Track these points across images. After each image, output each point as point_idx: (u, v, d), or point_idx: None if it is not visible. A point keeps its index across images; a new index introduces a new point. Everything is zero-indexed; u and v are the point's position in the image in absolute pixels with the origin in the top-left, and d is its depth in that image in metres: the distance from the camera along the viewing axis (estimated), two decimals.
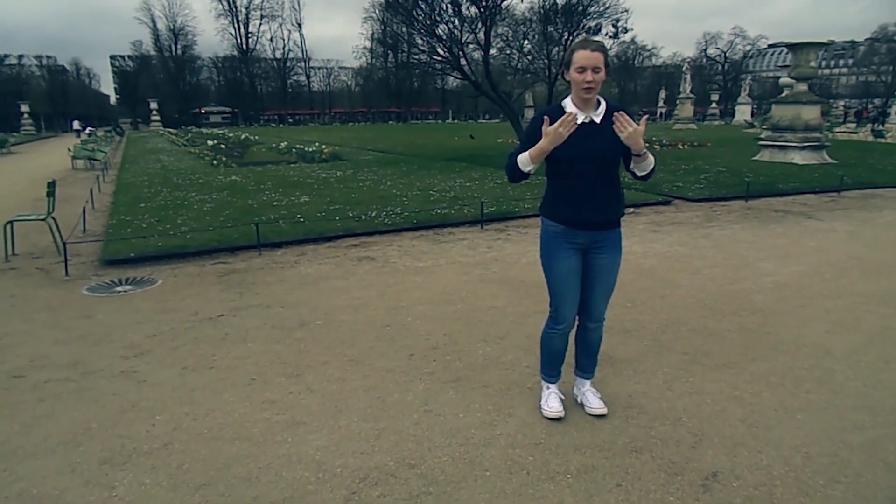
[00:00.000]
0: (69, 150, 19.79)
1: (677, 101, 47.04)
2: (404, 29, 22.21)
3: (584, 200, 2.84)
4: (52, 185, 7.31)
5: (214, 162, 17.89)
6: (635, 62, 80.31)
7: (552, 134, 2.66)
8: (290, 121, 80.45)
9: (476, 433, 2.99)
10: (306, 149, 20.10)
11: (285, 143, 24.47)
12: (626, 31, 20.45)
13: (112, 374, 3.73)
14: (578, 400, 3.24)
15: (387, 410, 3.21)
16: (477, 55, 20.53)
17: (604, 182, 2.86)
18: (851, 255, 6.41)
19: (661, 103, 66.01)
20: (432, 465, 2.73)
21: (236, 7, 79.83)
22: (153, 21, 77.33)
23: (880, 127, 34.26)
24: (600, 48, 2.73)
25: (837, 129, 33.77)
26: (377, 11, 61.54)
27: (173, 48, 78.37)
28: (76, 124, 39.97)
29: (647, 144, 2.87)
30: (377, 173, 14.10)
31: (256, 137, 32.94)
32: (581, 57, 2.70)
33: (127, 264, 6.39)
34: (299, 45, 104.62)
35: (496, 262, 6.32)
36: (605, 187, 2.87)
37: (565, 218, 2.88)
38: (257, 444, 2.92)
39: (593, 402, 3.16)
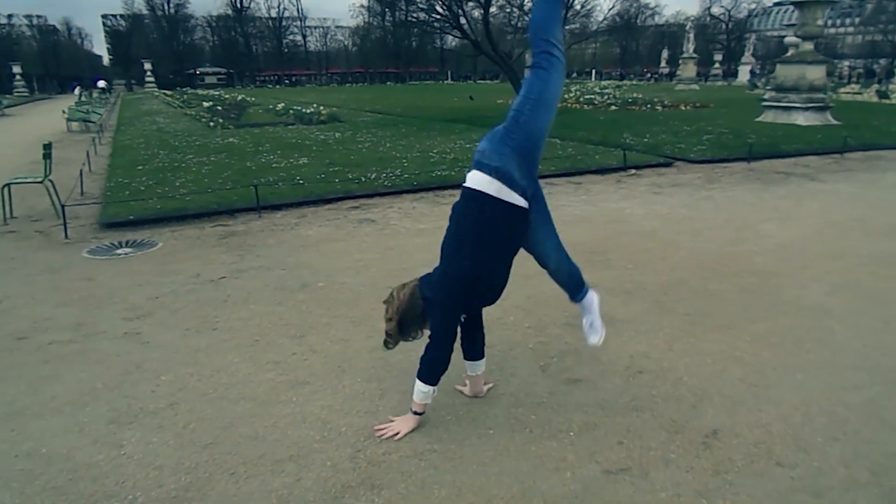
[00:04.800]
0: (64, 111, 19.54)
1: (680, 62, 46.35)
2: None
3: None
4: (48, 148, 7.24)
5: (211, 124, 17.69)
6: (637, 21, 78.66)
7: None
8: (287, 82, 79.20)
9: None
10: (304, 110, 19.86)
11: (282, 104, 24.14)
12: None
13: (115, 336, 3.75)
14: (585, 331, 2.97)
15: (390, 371, 3.24)
16: (477, 13, 20.19)
17: None
18: (854, 217, 6.39)
19: (663, 63, 65.03)
20: (436, 423, 2.76)
21: None
22: None
23: (885, 87, 33.82)
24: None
25: (842, 90, 33.38)
26: None
27: (166, 7, 76.71)
28: (77, 90, 37.63)
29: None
30: (376, 135, 13.96)
31: (253, 99, 32.51)
32: None
33: (126, 227, 6.36)
34: (295, 3, 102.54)
35: None
36: None
37: None
38: (262, 403, 2.95)
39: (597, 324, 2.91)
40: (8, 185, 6.94)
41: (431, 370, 2.60)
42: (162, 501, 2.30)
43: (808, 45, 16.04)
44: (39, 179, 7.02)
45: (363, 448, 2.59)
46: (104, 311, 4.16)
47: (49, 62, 72.91)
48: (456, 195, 2.71)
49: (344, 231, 6.12)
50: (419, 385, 2.62)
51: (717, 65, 53.31)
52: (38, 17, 75.62)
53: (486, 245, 2.53)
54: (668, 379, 3.12)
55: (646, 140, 12.14)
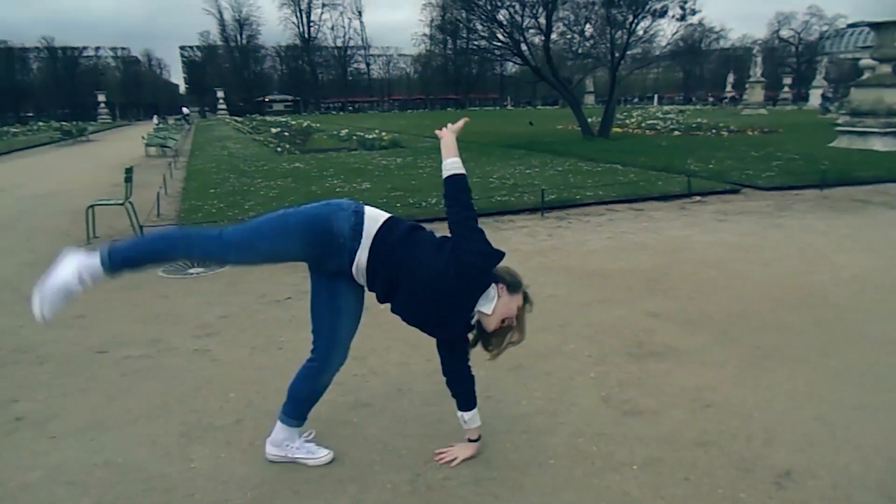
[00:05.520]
0: (143, 137, 20.70)
1: (746, 86, 45.06)
2: (464, 14, 22.10)
3: None
4: (129, 172, 7.67)
5: (278, 149, 18.35)
6: (702, 45, 77.08)
7: None
8: (350, 108, 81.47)
9: (538, 420, 2.99)
10: (366, 136, 20.34)
11: (346, 130, 24.83)
12: (693, 12, 19.76)
13: (186, 352, 3.91)
14: None
15: (448, 395, 3.22)
16: (537, 40, 20.29)
17: None
18: None
19: (728, 88, 63.48)
20: (495, 450, 2.74)
21: None
22: (220, 12, 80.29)
23: None
24: None
25: None
26: None
27: (238, 38, 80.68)
28: (155, 118, 39.58)
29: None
30: (436, 160, 14.09)
31: (318, 125, 33.54)
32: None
33: None
34: (359, 33, 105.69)
35: (556, 251, 6.25)
36: None
37: None
38: (325, 423, 3.00)
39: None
40: (92, 206, 7.37)
41: (457, 399, 2.70)
42: None
43: (886, 68, 15.39)
44: (120, 201, 7.43)
45: (422, 472, 2.60)
46: (177, 327, 4.35)
47: (130, 91, 77.66)
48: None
49: None
50: (458, 415, 2.69)
51: (786, 88, 51.56)
52: (122, 48, 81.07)
53: None
54: (737, 414, 3.00)
55: (711, 166, 11.84)
